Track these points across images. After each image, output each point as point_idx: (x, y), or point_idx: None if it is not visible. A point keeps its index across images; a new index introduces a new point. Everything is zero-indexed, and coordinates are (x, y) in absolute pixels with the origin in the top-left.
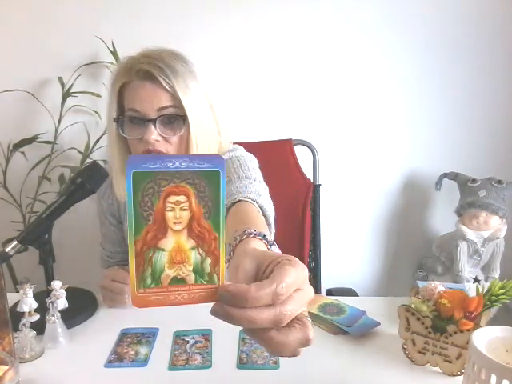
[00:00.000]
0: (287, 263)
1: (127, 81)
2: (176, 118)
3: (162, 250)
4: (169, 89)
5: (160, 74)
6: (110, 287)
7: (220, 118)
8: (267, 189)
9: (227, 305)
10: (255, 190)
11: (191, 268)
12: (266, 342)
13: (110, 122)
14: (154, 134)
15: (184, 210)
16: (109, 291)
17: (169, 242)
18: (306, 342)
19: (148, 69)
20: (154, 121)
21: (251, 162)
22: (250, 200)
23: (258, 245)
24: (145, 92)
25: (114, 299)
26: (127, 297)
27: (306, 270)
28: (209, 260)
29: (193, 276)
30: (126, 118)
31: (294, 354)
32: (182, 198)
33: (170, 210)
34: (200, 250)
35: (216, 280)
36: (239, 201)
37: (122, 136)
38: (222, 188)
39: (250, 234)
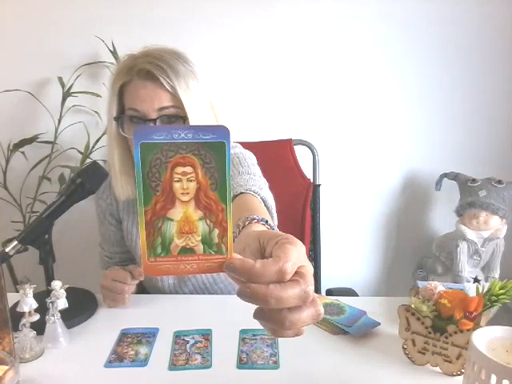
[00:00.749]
0: (287, 242)
1: (128, 80)
2: (176, 118)
3: (171, 220)
4: (170, 89)
5: (161, 74)
6: (111, 287)
7: (220, 117)
8: (267, 184)
9: (232, 277)
10: (256, 184)
11: (199, 238)
12: (279, 322)
13: (110, 120)
14: None
15: (191, 180)
16: (109, 291)
17: (177, 213)
18: (317, 317)
19: (149, 69)
20: (154, 121)
21: (250, 159)
22: (251, 192)
23: (260, 229)
24: (146, 92)
25: (115, 299)
26: (127, 296)
27: (304, 248)
28: (216, 231)
29: (201, 246)
30: (126, 117)
31: (299, 334)
32: (188, 169)
33: (177, 181)
34: (208, 221)
35: (224, 251)
36: (241, 193)
37: (121, 135)
38: (228, 159)
39: (253, 219)
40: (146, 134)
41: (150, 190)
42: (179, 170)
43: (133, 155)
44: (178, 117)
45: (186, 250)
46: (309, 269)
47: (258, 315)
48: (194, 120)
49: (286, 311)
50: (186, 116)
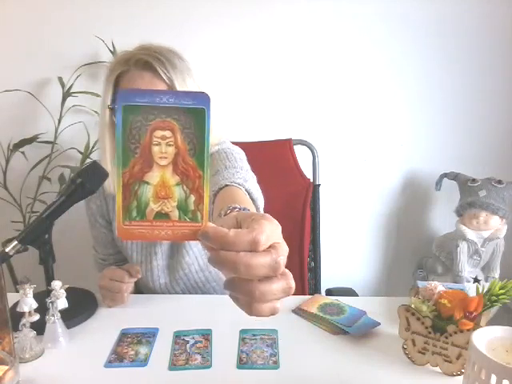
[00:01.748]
0: (262, 218)
1: (125, 70)
2: None
3: (148, 183)
4: (167, 80)
5: (159, 65)
6: (109, 286)
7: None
8: (255, 177)
9: (206, 246)
10: (242, 177)
11: (175, 204)
12: (249, 292)
13: (104, 109)
14: None
15: (170, 145)
16: (107, 291)
17: (154, 176)
18: (288, 290)
19: (147, 59)
20: None
21: (238, 154)
22: (236, 185)
23: None
24: (142, 82)
25: (114, 298)
26: (126, 295)
27: (280, 227)
28: (193, 198)
29: (177, 212)
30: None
31: (274, 312)
32: (167, 133)
33: (156, 145)
34: (184, 187)
35: (200, 219)
36: (226, 186)
37: (114, 124)
38: (207, 126)
39: (235, 208)
40: (129, 97)
41: (129, 152)
42: (158, 133)
43: None
44: None
45: (162, 216)
46: (283, 245)
47: (228, 285)
48: None
49: (256, 281)
50: None
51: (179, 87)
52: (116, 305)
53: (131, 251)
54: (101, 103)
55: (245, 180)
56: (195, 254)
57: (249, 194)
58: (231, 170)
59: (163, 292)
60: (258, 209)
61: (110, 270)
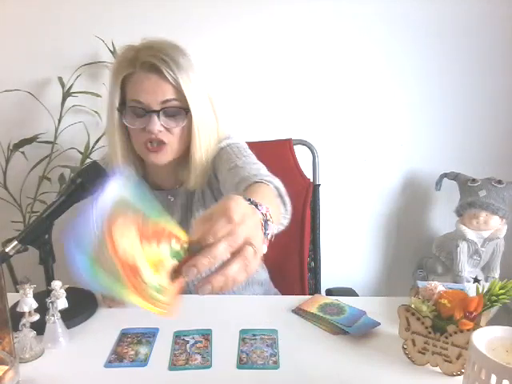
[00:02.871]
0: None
1: (131, 72)
2: (179, 111)
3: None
4: (173, 82)
5: (165, 67)
6: None
7: (217, 107)
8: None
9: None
10: (267, 174)
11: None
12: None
13: (112, 110)
14: (158, 124)
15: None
16: None
17: (145, 267)
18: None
19: (154, 62)
20: (157, 112)
21: (248, 149)
22: (265, 182)
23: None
24: (149, 84)
25: (113, 298)
26: None
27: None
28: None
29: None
30: (130, 108)
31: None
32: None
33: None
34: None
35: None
36: (255, 182)
37: (123, 125)
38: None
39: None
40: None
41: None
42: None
43: (133, 145)
44: (181, 109)
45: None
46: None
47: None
48: (195, 112)
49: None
50: (189, 108)
51: (184, 85)
52: (117, 305)
53: None
54: (108, 105)
55: (272, 177)
56: None
57: (277, 190)
58: (255, 165)
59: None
60: (285, 204)
61: None
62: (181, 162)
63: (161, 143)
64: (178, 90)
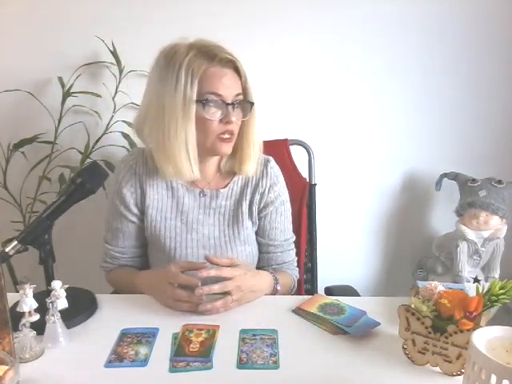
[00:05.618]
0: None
1: (208, 66)
2: (247, 103)
3: None
4: (243, 77)
5: (239, 63)
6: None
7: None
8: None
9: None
10: (294, 258)
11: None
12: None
13: (190, 104)
14: (235, 116)
15: None
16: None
17: None
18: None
19: (231, 58)
20: (232, 105)
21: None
22: (291, 274)
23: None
24: (227, 79)
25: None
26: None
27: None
28: None
29: None
30: (208, 101)
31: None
32: None
33: None
34: None
35: None
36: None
37: (193, 117)
38: None
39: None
40: None
41: None
42: None
43: (204, 137)
44: (248, 102)
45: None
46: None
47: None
48: (255, 106)
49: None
50: (253, 102)
51: (248, 82)
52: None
53: (164, 238)
54: (178, 98)
55: (295, 267)
56: (237, 251)
57: (276, 284)
58: (291, 245)
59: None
60: (292, 288)
61: (167, 274)
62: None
63: (232, 134)
64: (245, 85)
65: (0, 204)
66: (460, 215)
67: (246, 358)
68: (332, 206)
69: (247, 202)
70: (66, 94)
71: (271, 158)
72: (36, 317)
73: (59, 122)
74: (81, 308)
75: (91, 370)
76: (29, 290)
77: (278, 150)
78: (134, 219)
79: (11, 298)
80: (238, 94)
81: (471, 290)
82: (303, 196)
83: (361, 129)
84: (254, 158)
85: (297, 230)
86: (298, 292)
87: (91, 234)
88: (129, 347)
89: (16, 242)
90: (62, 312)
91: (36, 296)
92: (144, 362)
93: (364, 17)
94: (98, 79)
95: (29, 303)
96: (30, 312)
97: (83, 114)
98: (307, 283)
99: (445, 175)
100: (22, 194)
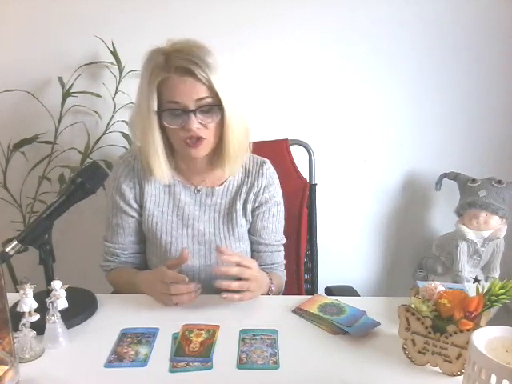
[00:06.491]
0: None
1: (166, 77)
2: (212, 107)
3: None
4: (205, 82)
5: (198, 69)
6: (173, 290)
7: (241, 100)
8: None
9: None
10: (282, 261)
11: None
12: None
13: (149, 113)
14: (195, 122)
15: None
16: (169, 294)
17: None
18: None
19: (187, 66)
20: (194, 111)
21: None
22: (281, 275)
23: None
24: (185, 86)
25: (181, 299)
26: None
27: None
28: None
29: None
30: (168, 109)
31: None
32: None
33: None
34: None
35: None
36: (274, 270)
37: (161, 125)
38: None
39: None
40: None
41: None
42: None
43: (172, 142)
44: (214, 105)
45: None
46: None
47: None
48: (228, 105)
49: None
50: (221, 102)
51: (215, 82)
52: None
53: (160, 233)
54: (142, 108)
55: (283, 263)
56: (232, 248)
57: (271, 284)
58: (281, 246)
59: (188, 275)
60: (281, 287)
61: (158, 273)
62: (214, 154)
63: (199, 139)
64: (211, 88)
65: (0, 204)
66: (460, 215)
67: (246, 357)
68: (332, 206)
69: (241, 201)
70: (66, 94)
71: (267, 160)
72: (36, 317)
73: (59, 122)
74: (81, 308)
75: (91, 370)
76: (29, 290)
77: (278, 149)
78: (134, 214)
79: (11, 297)
80: (200, 99)
81: (471, 289)
82: (303, 196)
83: (361, 129)
84: (234, 159)
85: (297, 229)
86: (298, 292)
87: (91, 233)
88: (129, 347)
89: (16, 242)
90: (61, 312)
91: (36, 296)
92: (144, 362)
93: (364, 17)
94: (98, 79)
95: (29, 303)
96: (30, 312)
97: (83, 114)
98: (308, 283)
99: (445, 175)
100: (22, 194)
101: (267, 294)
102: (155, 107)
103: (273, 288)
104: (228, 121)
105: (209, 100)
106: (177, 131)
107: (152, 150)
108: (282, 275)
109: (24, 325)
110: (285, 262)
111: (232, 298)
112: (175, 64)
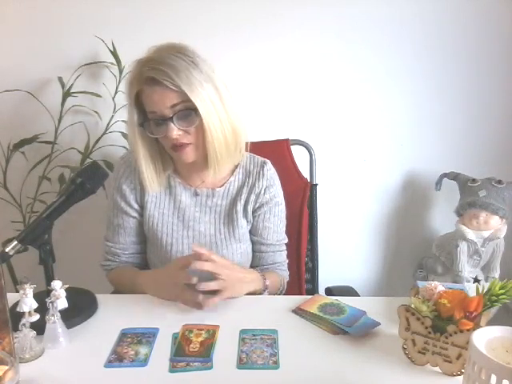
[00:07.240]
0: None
1: (140, 89)
2: (188, 112)
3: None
4: (175, 88)
5: (164, 77)
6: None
7: (228, 99)
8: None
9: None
10: (284, 259)
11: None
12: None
13: (133, 128)
14: (175, 130)
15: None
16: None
17: None
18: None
19: (153, 75)
20: (171, 118)
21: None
22: (281, 275)
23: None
24: (156, 96)
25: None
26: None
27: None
28: None
29: None
30: (150, 120)
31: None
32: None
33: None
34: None
35: None
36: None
37: (148, 137)
38: None
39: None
40: None
41: None
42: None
43: (162, 151)
44: (190, 110)
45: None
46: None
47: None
48: (203, 109)
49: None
50: (196, 107)
51: (186, 89)
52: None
53: (161, 234)
54: (128, 122)
55: (285, 265)
56: (233, 249)
57: (265, 280)
58: (282, 246)
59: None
60: (282, 288)
61: (169, 274)
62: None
63: (183, 144)
64: (182, 93)
65: (0, 204)
66: (460, 215)
67: (246, 357)
68: (333, 206)
69: (242, 202)
70: (66, 94)
71: (268, 161)
72: (36, 317)
73: (59, 122)
74: (81, 308)
75: (91, 369)
76: (29, 290)
77: (279, 150)
78: (135, 214)
79: (11, 297)
80: (175, 105)
81: (471, 289)
82: (304, 196)
83: (361, 129)
84: (217, 161)
85: (298, 230)
86: (299, 292)
87: (91, 233)
88: (129, 347)
89: (16, 242)
90: (61, 312)
91: (36, 296)
92: (144, 362)
93: (364, 17)
94: (98, 79)
95: (29, 303)
96: (29, 312)
97: (83, 114)
98: (308, 283)
99: (445, 175)
100: (22, 194)
101: (263, 290)
102: (136, 120)
103: (267, 283)
104: (205, 123)
105: (185, 104)
106: (162, 140)
107: (138, 161)
108: (284, 274)
109: (24, 325)
110: (287, 261)
111: (213, 301)
112: (145, 75)
